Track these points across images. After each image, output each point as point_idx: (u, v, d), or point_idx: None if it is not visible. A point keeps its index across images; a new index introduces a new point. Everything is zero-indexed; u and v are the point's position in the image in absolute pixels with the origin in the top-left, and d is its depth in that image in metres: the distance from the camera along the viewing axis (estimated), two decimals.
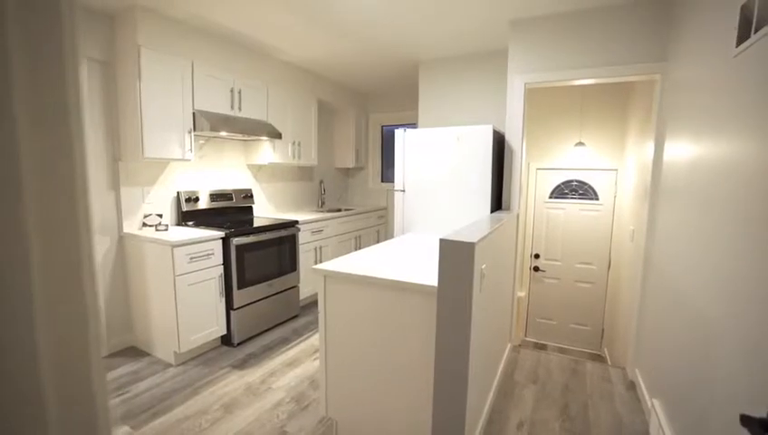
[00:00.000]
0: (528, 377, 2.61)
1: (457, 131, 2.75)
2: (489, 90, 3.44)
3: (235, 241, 2.86)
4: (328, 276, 1.82)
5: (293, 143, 3.94)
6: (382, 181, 5.38)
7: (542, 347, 4.48)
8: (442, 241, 1.44)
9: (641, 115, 3.02)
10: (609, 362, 3.63)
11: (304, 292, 3.74)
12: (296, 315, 3.60)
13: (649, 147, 2.49)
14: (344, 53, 3.53)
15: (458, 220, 2.79)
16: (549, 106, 4.10)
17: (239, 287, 2.94)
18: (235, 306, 2.92)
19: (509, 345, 2.97)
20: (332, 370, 1.91)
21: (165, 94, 2.69)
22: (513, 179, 2.83)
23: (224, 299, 2.88)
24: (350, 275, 1.73)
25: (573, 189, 4.33)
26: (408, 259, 2.03)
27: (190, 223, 3.15)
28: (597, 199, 4.15)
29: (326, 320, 1.87)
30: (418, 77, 3.97)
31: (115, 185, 2.77)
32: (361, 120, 5.16)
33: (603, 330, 4.18)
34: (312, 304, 3.93)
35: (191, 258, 2.61)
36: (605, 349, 4.05)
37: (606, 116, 3.86)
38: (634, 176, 3.18)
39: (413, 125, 5.02)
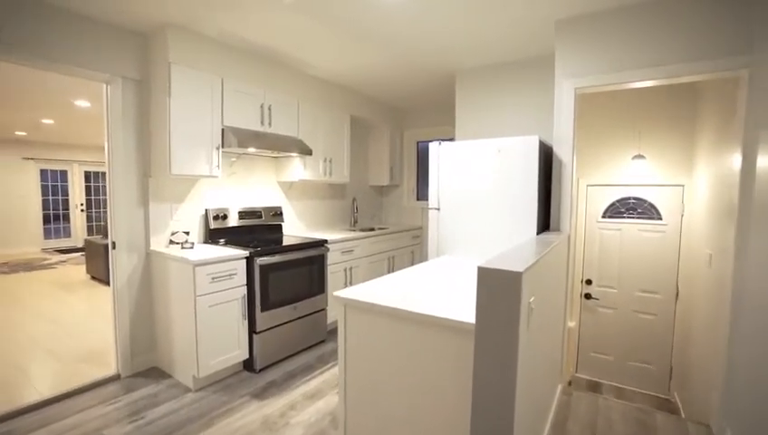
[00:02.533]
0: (585, 428, 2.21)
1: (498, 143, 2.49)
2: (531, 100, 3.16)
3: (259, 261, 2.72)
4: (349, 305, 1.60)
5: (325, 160, 3.83)
6: (417, 199, 5.15)
7: (597, 386, 3.96)
8: (481, 269, 1.18)
9: (716, 121, 2.61)
10: (683, 413, 3.09)
11: (332, 315, 3.54)
12: (323, 341, 3.39)
13: (733, 158, 2.09)
14: (376, 66, 3.40)
15: (500, 242, 2.49)
16: (600, 115, 3.74)
17: (263, 310, 2.79)
18: (258, 329, 2.76)
19: (560, 386, 2.58)
20: (352, 409, 1.66)
21: (194, 110, 2.65)
22: (564, 196, 2.50)
23: (246, 322, 2.73)
24: (373, 305, 1.51)
25: (631, 207, 3.88)
26: (443, 287, 1.77)
27: (218, 241, 3.07)
28: (659, 219, 3.68)
29: (346, 353, 1.64)
30: (455, 88, 3.77)
31: (144, 201, 2.75)
32: (396, 136, 5.00)
33: (672, 370, 3.62)
34: None
35: (213, 278, 2.50)
36: (675, 393, 3.49)
37: (669, 124, 3.43)
38: (708, 191, 2.74)
39: (450, 140, 4.79)
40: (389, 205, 5.33)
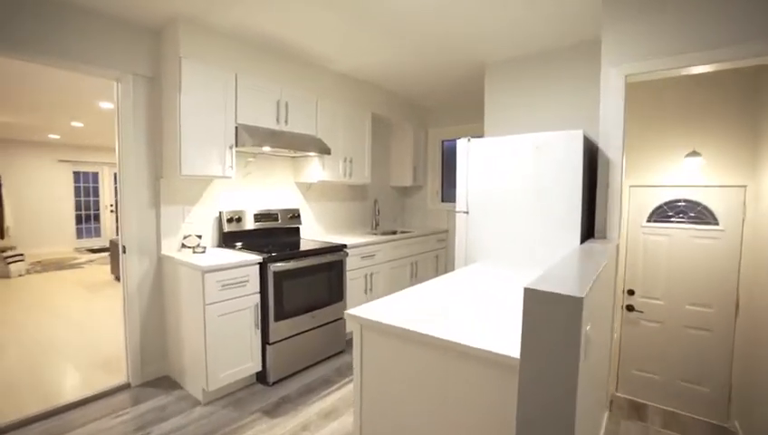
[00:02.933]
0: None
1: (536, 139, 2.22)
2: (570, 93, 2.85)
3: (273, 267, 2.55)
4: (367, 327, 1.38)
5: (345, 160, 3.64)
6: (443, 201, 4.89)
7: (641, 409, 3.58)
8: (529, 292, 0.94)
9: None
10: None
11: (351, 325, 3.33)
12: (341, 351, 3.20)
13: None
14: (401, 60, 3.18)
15: (537, 250, 2.22)
16: (645, 108, 3.37)
17: (277, 319, 2.61)
18: (271, 340, 2.59)
19: (606, 414, 2.28)
20: None
21: (206, 107, 2.52)
22: (611, 199, 2.20)
23: (259, 332, 2.57)
24: (394, 327, 1.28)
25: (681, 211, 3.49)
26: (475, 305, 1.53)
27: (232, 245, 2.93)
28: (716, 224, 3.28)
29: (362, 381, 1.43)
30: (484, 82, 3.50)
31: (156, 203, 2.63)
32: (420, 134, 4.77)
33: (731, 394, 3.22)
34: None
35: (223, 286, 2.34)
36: (736, 422, 3.09)
37: (729, 117, 3.04)
38: None
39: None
40: (412, 207, 5.10)
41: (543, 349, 0.94)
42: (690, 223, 3.40)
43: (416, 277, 4.19)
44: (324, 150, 3.14)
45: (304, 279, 2.81)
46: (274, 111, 2.95)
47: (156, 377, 2.72)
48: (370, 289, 3.54)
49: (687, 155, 3.15)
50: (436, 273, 4.57)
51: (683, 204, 3.45)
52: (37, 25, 2.09)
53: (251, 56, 2.79)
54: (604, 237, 2.24)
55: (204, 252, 2.64)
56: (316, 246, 2.96)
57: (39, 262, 6.95)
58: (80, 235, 8.70)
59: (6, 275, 5.81)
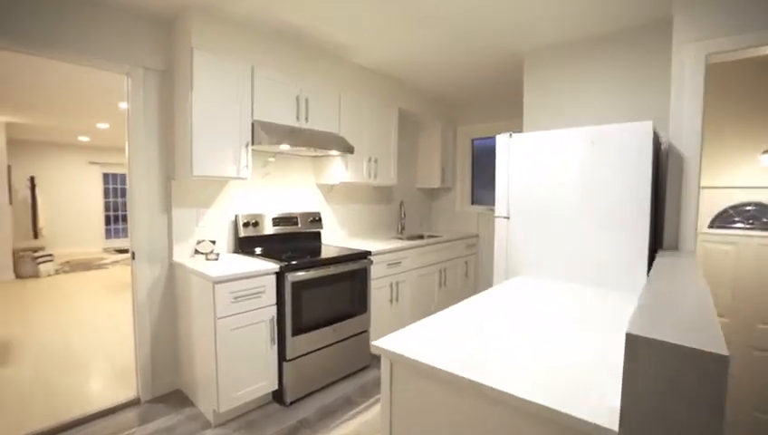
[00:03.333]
0: None
1: (592, 132, 1.89)
2: (625, 83, 2.49)
3: (291, 277, 2.32)
4: (398, 362, 1.11)
5: (369, 160, 3.39)
6: (472, 203, 4.57)
7: None
8: (637, 341, 0.65)
9: None
10: None
11: (377, 336, 3.08)
12: (365, 366, 2.94)
13: None
14: (430, 52, 2.90)
15: (594, 262, 1.89)
16: (709, 97, 2.95)
17: (295, 333, 2.38)
18: (288, 357, 2.36)
19: None
20: None
21: (219, 102, 2.32)
22: (686, 203, 1.85)
23: (275, 347, 2.34)
24: (432, 368, 1.01)
25: (751, 216, 3.04)
26: (529, 334, 1.23)
27: (248, 251, 2.73)
28: None
29: (391, 427, 1.16)
30: (522, 73, 3.18)
31: (167, 206, 2.46)
32: (448, 132, 4.47)
33: None
34: None
35: (236, 297, 2.13)
36: None
37: None
38: None
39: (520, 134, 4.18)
40: (440, 210, 4.80)
41: (660, 424, 0.65)
42: (762, 230, 2.96)
43: (444, 285, 3.89)
44: (347, 149, 2.90)
45: (325, 289, 2.57)
46: (294, 107, 2.73)
47: (167, 391, 2.54)
48: (396, 299, 3.27)
49: (765, 152, 2.72)
50: (466, 280, 4.26)
51: (753, 208, 3.01)
52: (40, 17, 1.94)
53: (268, 47, 2.58)
54: (675, 248, 1.89)
55: (217, 259, 2.44)
56: (338, 253, 2.72)
57: (68, 262, 7.06)
58: (108, 235, 8.85)
59: (36, 275, 5.89)
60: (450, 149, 4.52)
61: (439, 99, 4.28)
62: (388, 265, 3.15)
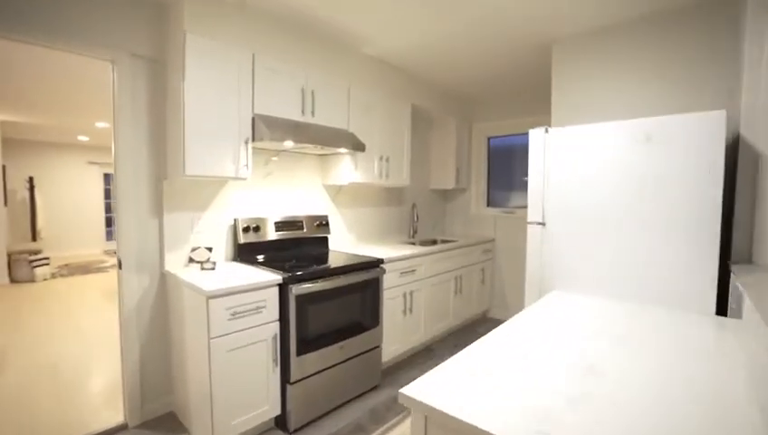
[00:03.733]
0: None
1: (647, 125, 1.62)
2: (675, 69, 2.21)
3: (296, 290, 2.06)
4: (435, 422, 0.84)
5: (381, 158, 3.12)
6: (488, 206, 4.29)
7: None
8: None
9: None
10: None
11: (388, 352, 2.81)
12: (375, 386, 2.67)
13: None
14: (448, 41, 2.64)
15: (649, 275, 1.61)
16: None
17: (300, 353, 2.12)
18: (292, 379, 2.10)
19: None
20: None
21: (216, 94, 2.07)
22: (763, 206, 1.56)
23: (278, 369, 2.08)
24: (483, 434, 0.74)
25: None
26: (601, 373, 0.96)
27: (248, 259, 2.47)
28: None
29: None
30: (549, 63, 2.91)
31: (158, 210, 2.21)
32: (463, 130, 4.19)
33: None
34: (398, 367, 2.98)
35: (234, 313, 1.87)
36: None
37: None
38: None
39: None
40: (454, 212, 4.52)
41: None
42: None
43: (460, 293, 3.62)
44: (358, 147, 2.64)
45: (333, 302, 2.31)
46: (299, 100, 2.47)
47: (159, 414, 2.29)
48: (410, 310, 3.00)
49: None
50: (482, 287, 3.98)
51: None
52: None
53: (271, 33, 2.33)
54: (748, 261, 1.60)
55: (213, 268, 2.19)
56: (348, 261, 2.46)
57: (66, 265, 6.86)
58: (109, 237, 8.65)
59: (32, 279, 5.68)
60: (465, 148, 4.24)
61: (454, 94, 4.01)
62: (402, 273, 2.88)
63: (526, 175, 4.13)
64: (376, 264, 2.58)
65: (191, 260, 2.28)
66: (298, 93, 2.46)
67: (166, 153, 2.18)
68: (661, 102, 2.20)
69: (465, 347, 3.32)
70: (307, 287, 2.12)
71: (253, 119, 2.23)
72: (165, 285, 2.25)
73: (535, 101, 3.85)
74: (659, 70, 2.24)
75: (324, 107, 2.63)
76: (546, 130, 1.90)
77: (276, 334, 2.06)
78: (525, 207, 4.04)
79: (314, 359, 2.21)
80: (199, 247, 2.30)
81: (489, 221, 4.23)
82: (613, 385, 0.90)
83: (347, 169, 2.85)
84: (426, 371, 2.92)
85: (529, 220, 1.95)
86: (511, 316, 4.16)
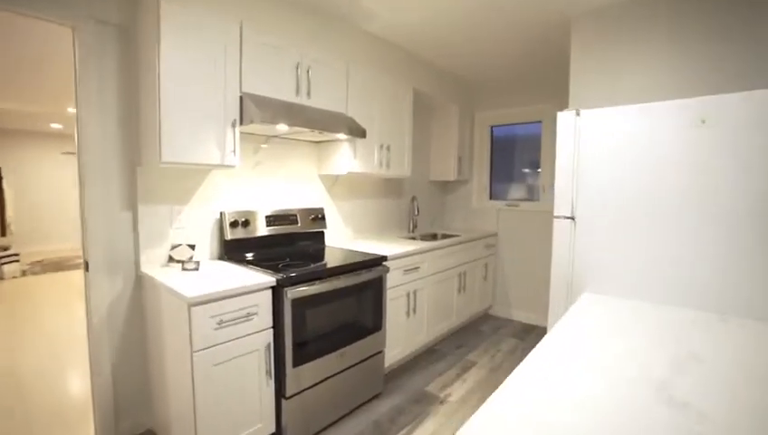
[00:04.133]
0: None
1: (702, 106, 1.41)
2: (720, 41, 2.01)
3: (291, 293, 1.82)
4: None
5: (381, 146, 2.87)
6: (491, 198, 4.09)
7: None
8: None
9: None
10: None
11: (390, 356, 2.59)
12: (378, 394, 2.46)
13: None
14: (456, 17, 2.39)
15: (705, 278, 1.41)
16: None
17: (296, 363, 1.88)
18: (288, 393, 1.87)
19: None
20: None
21: (197, 69, 1.79)
22: None
23: (272, 382, 1.84)
24: None
25: None
26: (682, 404, 0.75)
27: (236, 258, 2.21)
28: None
29: None
30: (564, 43, 2.70)
31: (131, 202, 1.92)
32: (466, 119, 3.96)
33: None
34: (401, 371, 2.76)
35: (220, 322, 1.62)
36: None
37: None
38: None
39: (536, 124, 3.70)
40: (454, 205, 4.31)
41: None
42: None
43: (464, 291, 3.42)
44: (358, 132, 2.39)
45: (333, 305, 2.07)
46: (293, 79, 2.20)
47: (137, 432, 2.03)
48: (414, 311, 2.79)
49: None
50: (485, 283, 3.79)
51: None
52: None
53: (261, 3, 2.05)
54: None
55: (197, 268, 1.92)
56: (349, 259, 2.22)
57: (39, 261, 6.45)
58: None
59: (0, 277, 5.29)
60: (467, 138, 4.01)
61: (457, 80, 3.77)
62: (405, 271, 2.66)
63: (526, 167, 3.94)
64: (379, 261, 2.35)
65: (171, 259, 2.01)
66: (292, 72, 2.19)
67: (139, 137, 1.89)
68: (701, 82, 2.00)
69: (468, 347, 3.12)
70: (304, 290, 1.87)
71: (241, 98, 1.95)
72: (141, 288, 1.98)
73: (542, 88, 3.64)
74: (696, 47, 2.03)
75: (320, 88, 2.36)
76: (577, 113, 1.68)
77: (270, 344, 1.81)
78: (528, 199, 3.87)
79: (312, 369, 1.97)
80: (180, 245, 2.03)
81: (491, 215, 4.02)
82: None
83: (345, 158, 2.60)
84: (430, 374, 2.71)
85: (556, 214, 1.74)
86: (514, 314, 4.02)
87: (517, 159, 3.97)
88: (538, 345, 1.05)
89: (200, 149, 1.81)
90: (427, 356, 3.03)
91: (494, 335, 3.48)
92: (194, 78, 1.77)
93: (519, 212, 3.84)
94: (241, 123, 1.97)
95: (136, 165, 1.91)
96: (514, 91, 3.83)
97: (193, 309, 1.53)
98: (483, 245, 3.70)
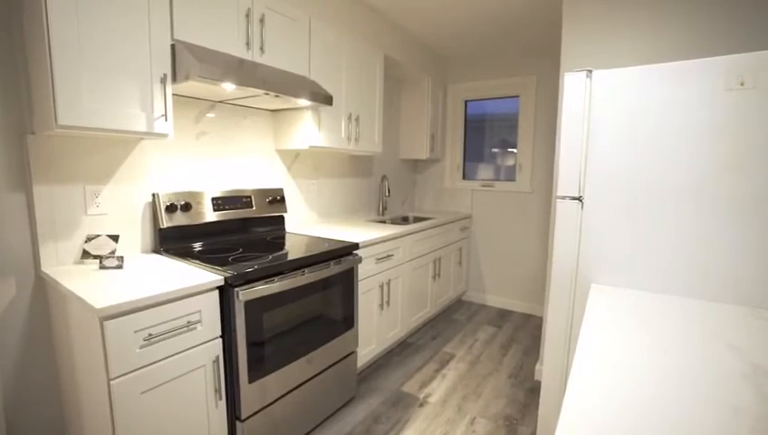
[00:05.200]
0: None
1: (735, 64, 1.18)
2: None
3: (244, 294, 1.46)
4: None
5: (350, 118, 2.51)
6: (464, 178, 3.86)
7: None
8: None
9: None
10: None
11: (363, 355, 2.32)
12: (351, 399, 2.18)
13: None
14: None
15: (746, 270, 1.22)
16: None
17: (253, 378, 1.55)
18: (244, 415, 1.53)
19: None
20: None
21: (106, 3, 1.33)
22: None
23: (223, 403, 1.50)
24: None
25: None
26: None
27: (173, 251, 1.81)
28: None
29: None
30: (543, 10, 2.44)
31: (22, 180, 1.46)
32: (438, 92, 3.66)
33: None
34: (375, 370, 2.50)
35: (149, 336, 1.24)
36: None
37: None
38: None
39: (514, 99, 3.47)
40: (424, 186, 4.04)
41: None
42: None
43: (439, 278, 3.19)
44: (322, 98, 2.02)
45: (296, 304, 1.74)
46: (242, 29, 1.78)
47: None
48: (387, 303, 2.51)
49: None
50: (459, 269, 3.59)
51: None
52: None
53: None
54: None
55: (120, 266, 1.51)
56: (314, 248, 1.88)
57: None
58: None
59: None
60: (440, 113, 3.72)
61: (431, 50, 3.44)
62: (378, 259, 2.36)
63: (501, 146, 3.72)
64: (350, 250, 2.03)
65: (86, 254, 1.57)
66: (241, 19, 1.76)
67: (31, 95, 1.42)
68: (719, 39, 1.81)
69: (443, 338, 2.89)
70: (260, 289, 1.52)
71: (173, 46, 1.52)
72: (45, 293, 1.54)
73: (521, 60, 3.40)
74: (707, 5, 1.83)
75: (277, 43, 1.95)
76: (589, 74, 1.41)
77: (218, 357, 1.46)
78: (502, 180, 3.66)
79: (274, 382, 1.65)
80: (99, 235, 1.60)
81: (465, 196, 3.80)
82: None
83: (307, 130, 2.22)
84: (406, 370, 2.47)
85: (559, 195, 1.49)
86: (488, 299, 3.84)
87: (491, 137, 3.74)
88: (580, 349, 0.79)
89: (116, 112, 1.37)
90: (401, 350, 2.79)
91: (470, 323, 3.30)
92: (100, 14, 1.32)
93: (494, 193, 3.64)
94: (174, 80, 1.54)
95: (27, 132, 1.44)
96: (490, 62, 3.57)
97: (107, 324, 1.14)
98: (458, 228, 3.48)
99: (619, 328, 1.00)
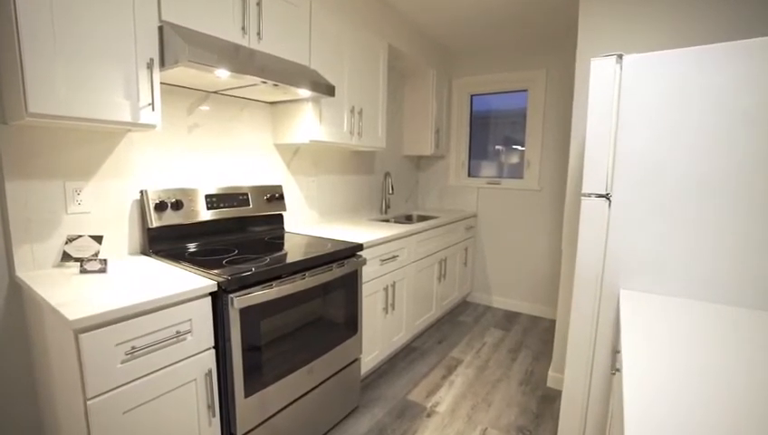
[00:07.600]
0: None
1: None
2: None
3: (239, 301, 1.33)
4: None
5: (352, 111, 2.38)
6: (469, 175, 3.73)
7: None
8: None
9: None
10: None
11: (366, 362, 2.19)
12: (355, 409, 2.06)
13: None
14: None
15: None
16: None
17: (250, 391, 1.42)
18: (240, 432, 1.40)
19: None
20: None
21: None
22: None
23: (217, 420, 1.37)
24: None
25: None
26: None
27: (164, 253, 1.67)
28: None
29: None
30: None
31: None
32: (443, 86, 3.53)
33: None
34: (378, 377, 2.37)
35: (132, 349, 1.11)
36: None
37: None
38: None
39: (521, 93, 3.34)
40: (428, 183, 3.91)
41: None
42: None
43: (444, 279, 3.07)
44: (324, 89, 1.88)
45: (296, 311, 1.61)
46: (238, 12, 1.64)
47: None
48: (392, 306, 2.38)
49: None
50: (465, 269, 3.47)
51: None
52: None
53: None
54: None
55: (103, 269, 1.38)
56: (316, 250, 1.74)
57: None
58: None
59: None
60: (445, 108, 3.59)
61: (436, 41, 3.30)
62: (383, 261, 2.24)
63: (501, 144, 3.59)
64: (354, 251, 1.90)
65: (67, 257, 1.44)
66: (236, 1, 1.63)
67: (0, 80, 1.28)
68: (743, 20, 1.68)
69: (450, 342, 2.76)
70: (257, 295, 1.39)
71: (160, 28, 1.38)
72: (21, 301, 1.40)
73: (530, 53, 3.27)
74: None
75: (275, 30, 1.82)
76: (619, 59, 1.28)
77: (211, 370, 1.33)
78: (509, 177, 3.51)
79: (273, 395, 1.52)
80: (81, 236, 1.46)
81: (470, 193, 3.67)
82: None
83: (308, 123, 2.09)
84: (411, 377, 2.35)
85: (585, 192, 1.36)
86: (494, 301, 3.71)
87: (496, 134, 3.61)
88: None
89: (96, 100, 1.24)
90: (405, 355, 2.66)
91: (477, 326, 3.18)
92: None
93: (500, 191, 3.51)
94: (163, 65, 1.41)
95: (1, 121, 1.31)
96: (499, 55, 3.43)
97: (83, 337, 1.01)
98: (464, 227, 3.35)
99: (666, 343, 0.87)
